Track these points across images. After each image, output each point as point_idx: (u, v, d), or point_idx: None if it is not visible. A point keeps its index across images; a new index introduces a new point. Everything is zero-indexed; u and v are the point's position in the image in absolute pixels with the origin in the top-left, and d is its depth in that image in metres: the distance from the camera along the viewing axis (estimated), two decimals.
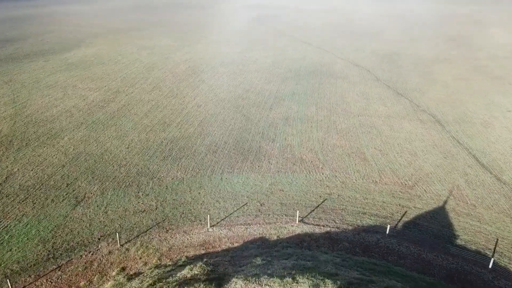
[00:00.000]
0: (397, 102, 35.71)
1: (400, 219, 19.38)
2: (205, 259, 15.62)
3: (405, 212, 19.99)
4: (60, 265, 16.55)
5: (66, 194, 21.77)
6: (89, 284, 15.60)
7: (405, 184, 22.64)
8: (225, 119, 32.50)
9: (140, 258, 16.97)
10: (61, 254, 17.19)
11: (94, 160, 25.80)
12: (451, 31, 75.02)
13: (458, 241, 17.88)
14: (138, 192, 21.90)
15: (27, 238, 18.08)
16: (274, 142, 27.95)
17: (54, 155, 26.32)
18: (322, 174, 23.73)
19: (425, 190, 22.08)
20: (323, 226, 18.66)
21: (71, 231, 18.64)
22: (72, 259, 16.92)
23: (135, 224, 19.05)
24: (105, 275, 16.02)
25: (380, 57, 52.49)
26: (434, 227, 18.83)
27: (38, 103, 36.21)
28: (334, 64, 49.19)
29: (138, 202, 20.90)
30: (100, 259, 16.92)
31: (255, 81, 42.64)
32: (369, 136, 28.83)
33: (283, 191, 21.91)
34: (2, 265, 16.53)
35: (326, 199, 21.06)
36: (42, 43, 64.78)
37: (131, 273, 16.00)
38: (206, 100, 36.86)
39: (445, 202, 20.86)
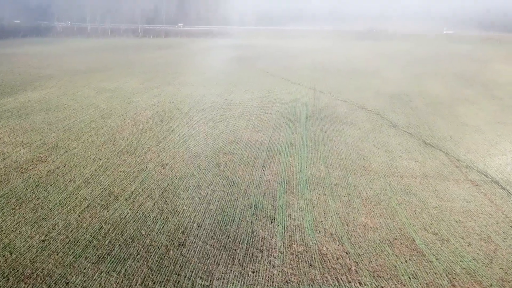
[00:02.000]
0: (429, 156, 28.48)
1: None
2: None
3: None
4: None
5: None
6: None
7: None
8: (200, 184, 24.15)
9: None
10: None
11: None
12: (454, 68, 71.41)
13: None
14: None
15: None
16: (273, 223, 19.58)
17: None
18: (360, 284, 15.41)
19: None
20: None
21: None
22: None
23: None
24: None
25: (388, 98, 46.41)
26: None
27: None
28: (335, 107, 42.53)
29: None
30: None
31: (241, 129, 34.95)
32: (410, 209, 20.96)
33: None
34: None
35: None
36: None
37: None
38: (174, 156, 28.59)
39: None
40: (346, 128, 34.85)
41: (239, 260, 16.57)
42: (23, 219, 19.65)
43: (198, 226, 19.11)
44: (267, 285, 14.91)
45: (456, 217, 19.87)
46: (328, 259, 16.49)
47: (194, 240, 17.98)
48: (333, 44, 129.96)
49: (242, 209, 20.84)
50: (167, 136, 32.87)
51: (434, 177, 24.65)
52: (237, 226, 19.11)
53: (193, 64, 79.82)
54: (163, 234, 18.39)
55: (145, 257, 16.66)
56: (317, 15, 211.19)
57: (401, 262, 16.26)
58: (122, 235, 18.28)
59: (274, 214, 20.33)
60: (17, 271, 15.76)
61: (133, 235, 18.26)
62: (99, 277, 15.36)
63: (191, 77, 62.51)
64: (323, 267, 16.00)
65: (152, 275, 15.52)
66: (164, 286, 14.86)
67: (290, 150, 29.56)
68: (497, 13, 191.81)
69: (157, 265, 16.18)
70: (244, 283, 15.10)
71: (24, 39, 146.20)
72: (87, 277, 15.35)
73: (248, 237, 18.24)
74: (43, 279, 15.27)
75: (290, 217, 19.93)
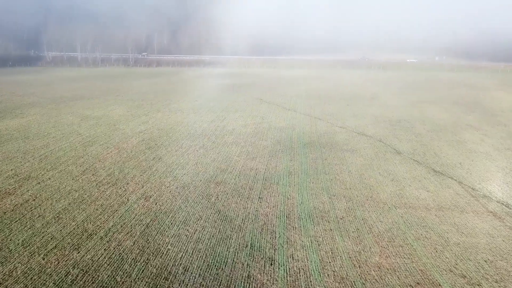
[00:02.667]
0: (441, 185, 26.35)
1: None
2: None
3: None
4: None
5: None
6: None
7: None
8: (188, 219, 21.55)
9: None
10: None
11: None
12: (451, 95, 70.97)
13: None
14: None
15: None
16: (273, 265, 16.93)
17: None
18: None
19: None
20: None
21: None
22: None
23: None
24: None
25: (388, 124, 44.84)
26: None
27: None
28: (334, 133, 40.70)
29: None
30: None
31: (234, 157, 32.67)
32: (430, 246, 18.53)
33: None
34: None
35: None
36: None
37: None
38: (160, 187, 26.04)
39: None
40: (348, 155, 32.80)
41: None
42: None
43: (185, 270, 16.40)
44: None
45: (484, 255, 17.49)
46: None
47: (180, 287, 15.31)
48: (326, 73, 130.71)
49: (236, 249, 18.23)
50: (153, 165, 30.41)
51: (450, 209, 22.41)
52: (231, 270, 16.45)
53: (185, 91, 78.47)
54: (142, 281, 15.64)
55: None
56: (309, 45, 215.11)
57: None
58: (93, 282, 15.47)
59: (274, 254, 17.73)
60: None
61: (106, 283, 15.46)
62: None
63: (181, 104, 60.79)
64: None
65: None
66: None
67: (289, 179, 27.23)
68: (486, 43, 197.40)
69: None
70: None
71: (12, 68, 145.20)
72: None
73: (244, 283, 15.58)
74: None
75: (293, 258, 17.34)
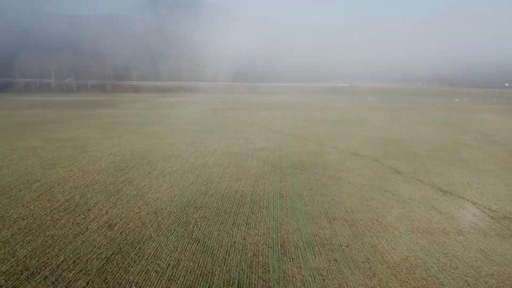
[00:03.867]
0: (453, 205, 23.64)
1: None
2: None
3: None
4: None
5: None
6: None
7: None
8: (159, 251, 17.96)
9: None
10: None
11: None
12: (440, 117, 70.18)
13: None
14: None
15: None
16: None
17: None
18: None
19: None
20: None
21: None
22: None
23: None
24: None
25: (382, 144, 42.56)
26: None
27: None
28: (325, 153, 38.01)
29: None
30: None
31: (216, 179, 29.34)
32: (458, 278, 15.44)
33: None
34: None
35: None
36: None
37: None
38: (127, 214, 22.41)
39: None
40: (344, 175, 29.99)
41: None
42: None
43: None
44: None
45: None
46: None
47: None
48: (310, 98, 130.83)
49: (220, 287, 14.78)
50: (122, 188, 26.72)
51: (471, 233, 19.55)
52: None
53: (163, 115, 75.48)
54: None
55: None
56: (293, 73, 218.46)
57: None
58: None
59: None
60: None
61: None
62: None
63: (159, 127, 57.43)
64: None
65: None
66: None
67: (281, 201, 24.04)
68: (463, 71, 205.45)
69: None
70: None
71: None
72: None
73: None
74: None
75: None
